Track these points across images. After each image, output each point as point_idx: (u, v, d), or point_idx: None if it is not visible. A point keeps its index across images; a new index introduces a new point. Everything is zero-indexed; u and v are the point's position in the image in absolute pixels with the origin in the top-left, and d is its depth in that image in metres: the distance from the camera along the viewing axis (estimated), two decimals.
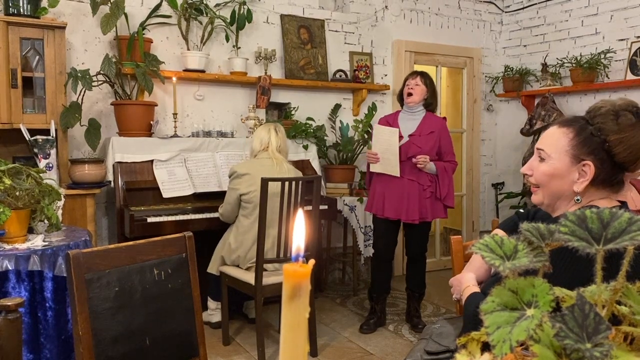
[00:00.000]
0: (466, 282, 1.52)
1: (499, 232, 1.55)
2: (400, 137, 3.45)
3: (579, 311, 0.55)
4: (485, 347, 0.62)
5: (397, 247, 3.75)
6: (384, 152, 3.45)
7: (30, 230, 2.36)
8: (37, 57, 3.30)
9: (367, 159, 3.58)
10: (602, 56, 4.48)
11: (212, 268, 3.39)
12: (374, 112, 4.53)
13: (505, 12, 5.54)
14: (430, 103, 3.54)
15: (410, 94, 3.48)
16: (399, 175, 3.43)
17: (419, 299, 3.72)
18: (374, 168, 3.53)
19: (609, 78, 4.52)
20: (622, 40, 4.46)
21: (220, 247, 3.37)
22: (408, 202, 3.44)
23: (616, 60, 4.48)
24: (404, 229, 3.63)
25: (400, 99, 3.61)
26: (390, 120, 3.56)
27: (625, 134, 1.24)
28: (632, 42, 4.35)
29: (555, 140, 1.33)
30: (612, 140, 1.25)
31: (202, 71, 4.02)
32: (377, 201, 3.53)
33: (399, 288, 4.28)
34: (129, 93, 3.77)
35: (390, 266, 3.68)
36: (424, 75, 3.52)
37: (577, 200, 1.31)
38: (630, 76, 4.32)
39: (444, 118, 3.64)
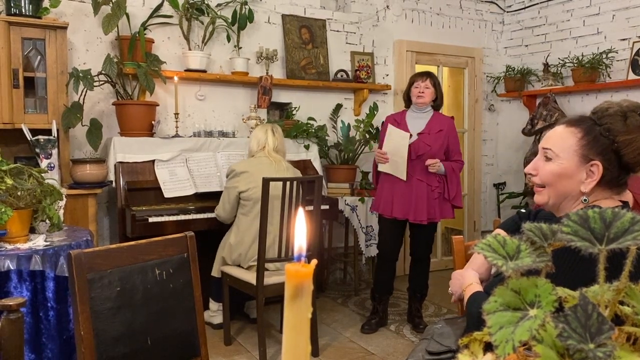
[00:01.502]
0: (469, 279, 1.52)
1: (501, 233, 1.54)
2: (409, 135, 3.47)
3: (582, 311, 0.55)
4: (488, 347, 0.62)
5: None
6: (393, 154, 3.45)
7: (32, 230, 2.36)
8: (39, 57, 3.30)
9: (375, 158, 3.56)
10: (604, 56, 4.48)
11: (215, 271, 3.40)
12: (375, 112, 4.53)
13: (507, 12, 5.54)
14: (438, 104, 3.57)
15: (420, 96, 3.49)
16: (405, 179, 3.44)
17: (421, 300, 3.72)
18: (382, 168, 3.51)
19: (610, 78, 4.51)
20: (623, 40, 4.46)
21: (221, 249, 3.38)
22: (416, 202, 3.44)
23: (618, 60, 4.48)
24: (410, 230, 3.62)
25: (407, 99, 3.61)
26: (397, 119, 3.55)
27: (634, 135, 1.24)
28: (634, 42, 4.35)
29: (563, 140, 1.32)
30: (621, 141, 1.25)
31: (204, 71, 4.02)
32: (384, 201, 3.52)
33: (401, 288, 4.27)
34: (130, 93, 3.77)
35: (394, 266, 3.68)
36: (432, 77, 3.54)
37: (585, 200, 1.30)
38: (632, 76, 4.31)
39: (452, 117, 3.65)
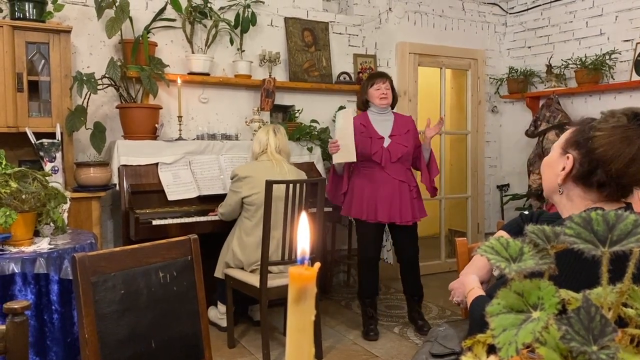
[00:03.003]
0: (470, 284, 1.52)
1: (504, 235, 1.54)
2: (382, 138, 3.51)
3: (585, 313, 0.55)
4: (491, 349, 0.62)
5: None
6: (342, 137, 3.43)
7: (36, 234, 2.37)
8: (43, 61, 3.32)
9: (329, 150, 3.53)
10: (607, 57, 4.47)
11: (218, 272, 3.40)
12: None
13: (510, 13, 5.53)
14: (394, 104, 3.69)
15: (384, 97, 3.54)
16: (355, 160, 3.44)
17: (420, 302, 3.72)
18: (335, 159, 3.48)
19: (614, 79, 4.50)
20: (627, 41, 4.45)
21: (224, 252, 3.38)
22: (400, 203, 3.48)
23: (621, 61, 4.47)
24: (395, 234, 3.61)
25: (365, 102, 3.61)
26: (363, 122, 3.55)
27: (608, 132, 1.25)
28: (637, 43, 4.34)
29: (563, 136, 1.38)
30: (593, 137, 1.26)
31: (207, 74, 4.03)
32: (367, 206, 3.48)
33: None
34: (134, 96, 3.78)
35: (378, 268, 3.66)
36: (390, 78, 3.64)
37: (560, 192, 1.34)
38: (635, 77, 4.30)
39: (410, 116, 3.81)
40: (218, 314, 3.57)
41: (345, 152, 3.42)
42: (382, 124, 3.55)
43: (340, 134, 3.44)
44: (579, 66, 4.59)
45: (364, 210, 3.50)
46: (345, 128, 3.42)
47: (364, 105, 3.63)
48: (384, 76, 3.62)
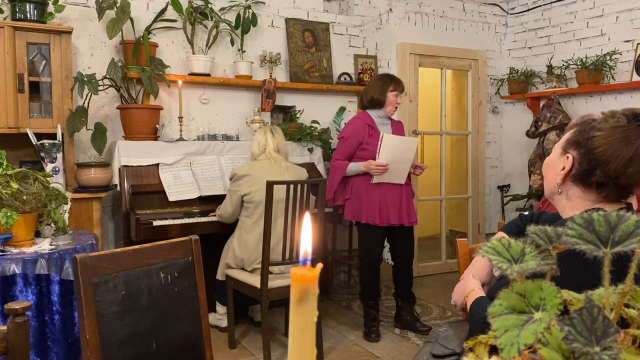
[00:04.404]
0: (470, 285, 1.51)
1: (504, 236, 1.54)
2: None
3: (588, 314, 0.55)
4: (493, 350, 0.62)
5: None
6: (396, 162, 3.43)
7: (37, 234, 2.37)
8: (44, 61, 3.32)
9: (371, 171, 3.43)
10: (608, 58, 4.47)
11: (220, 274, 3.40)
12: None
13: (510, 14, 5.54)
14: None
15: (397, 107, 3.60)
16: (403, 183, 3.53)
17: (415, 302, 3.74)
18: (378, 178, 3.46)
19: (614, 80, 4.50)
20: (627, 41, 4.45)
21: (225, 253, 3.38)
22: (408, 205, 3.55)
23: (622, 62, 4.47)
24: (395, 236, 3.62)
25: (377, 101, 3.54)
26: (369, 123, 3.53)
27: (607, 132, 1.25)
28: (637, 44, 4.34)
29: (563, 136, 1.38)
30: (593, 137, 1.27)
31: (208, 75, 4.03)
32: (379, 210, 3.48)
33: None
34: (134, 97, 3.79)
35: (379, 270, 3.67)
36: None
37: (559, 192, 1.34)
38: (636, 77, 4.30)
39: (401, 122, 3.88)
40: (217, 315, 3.57)
41: (394, 175, 3.47)
42: (384, 127, 3.57)
43: (395, 157, 3.40)
44: (579, 67, 4.59)
45: (376, 215, 3.47)
46: (405, 155, 3.45)
47: (372, 103, 3.55)
48: (402, 86, 3.60)
